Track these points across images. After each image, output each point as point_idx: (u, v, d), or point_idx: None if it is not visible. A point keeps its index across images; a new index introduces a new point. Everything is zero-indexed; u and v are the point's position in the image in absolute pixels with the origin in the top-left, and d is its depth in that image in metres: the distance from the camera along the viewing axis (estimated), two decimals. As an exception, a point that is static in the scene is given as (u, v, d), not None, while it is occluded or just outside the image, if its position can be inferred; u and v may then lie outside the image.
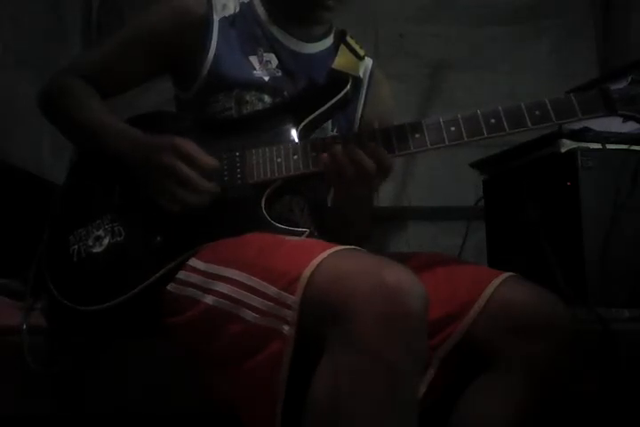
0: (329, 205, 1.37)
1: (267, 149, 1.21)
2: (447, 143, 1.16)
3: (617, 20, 2.95)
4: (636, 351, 1.31)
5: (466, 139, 1.15)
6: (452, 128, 1.15)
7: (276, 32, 1.35)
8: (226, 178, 1.21)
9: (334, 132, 1.35)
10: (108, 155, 1.23)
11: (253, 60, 1.31)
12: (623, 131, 1.62)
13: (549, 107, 1.14)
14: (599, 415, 1.28)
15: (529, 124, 1.14)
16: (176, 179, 1.14)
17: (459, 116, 1.16)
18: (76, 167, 1.34)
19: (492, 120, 1.14)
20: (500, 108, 1.15)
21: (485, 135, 1.15)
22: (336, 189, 1.27)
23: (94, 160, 1.29)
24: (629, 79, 1.14)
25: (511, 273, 1.13)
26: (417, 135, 1.16)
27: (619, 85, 1.14)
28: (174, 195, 1.15)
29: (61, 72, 1.33)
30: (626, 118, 1.15)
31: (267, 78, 1.31)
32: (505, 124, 1.14)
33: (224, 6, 1.32)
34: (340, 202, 1.29)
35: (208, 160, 1.16)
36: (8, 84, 2.21)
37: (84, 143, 1.31)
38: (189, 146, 1.16)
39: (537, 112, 1.14)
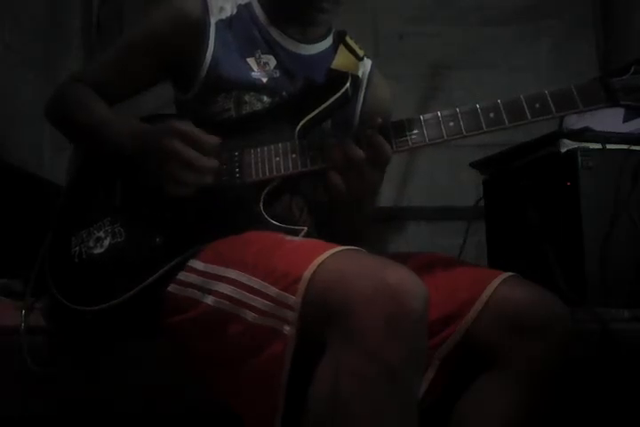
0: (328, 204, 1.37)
1: (265, 149, 1.21)
2: (446, 138, 1.14)
3: (617, 19, 2.95)
4: (635, 351, 1.31)
5: (465, 133, 1.13)
6: (451, 123, 1.14)
7: (275, 34, 1.35)
8: (225, 177, 1.21)
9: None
10: (111, 148, 1.23)
11: (251, 61, 1.31)
12: (623, 131, 1.63)
13: (549, 99, 1.11)
14: (599, 415, 1.28)
15: (529, 116, 1.12)
16: (177, 161, 1.12)
17: (457, 110, 1.14)
18: (79, 170, 1.34)
19: (492, 114, 1.13)
20: (499, 101, 1.13)
21: (485, 129, 1.13)
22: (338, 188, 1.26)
23: (96, 162, 1.30)
24: (632, 69, 1.11)
25: (511, 273, 1.13)
26: (415, 131, 1.15)
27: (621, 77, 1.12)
28: (178, 177, 1.13)
29: (65, 83, 1.34)
30: (629, 109, 1.13)
31: (265, 80, 1.30)
32: (504, 117, 1.12)
33: (221, 9, 1.32)
34: (341, 201, 1.29)
35: (208, 138, 1.15)
36: (9, 84, 2.21)
37: (88, 142, 1.31)
38: (187, 126, 1.15)
39: (537, 105, 1.12)
